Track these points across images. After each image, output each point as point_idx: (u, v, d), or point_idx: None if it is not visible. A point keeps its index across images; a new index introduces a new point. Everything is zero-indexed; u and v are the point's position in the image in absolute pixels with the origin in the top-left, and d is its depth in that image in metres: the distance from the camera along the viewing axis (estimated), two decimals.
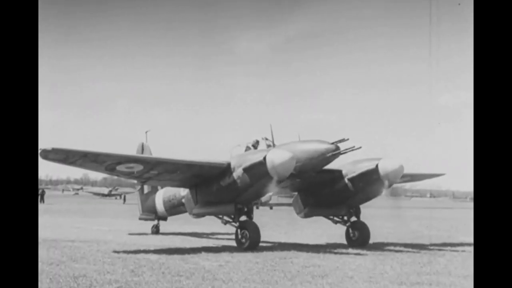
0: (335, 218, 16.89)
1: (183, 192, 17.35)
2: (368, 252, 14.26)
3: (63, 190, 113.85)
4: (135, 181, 19.57)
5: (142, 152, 20.10)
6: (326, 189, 16.19)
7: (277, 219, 29.72)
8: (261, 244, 14.87)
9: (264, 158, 13.69)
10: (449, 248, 15.97)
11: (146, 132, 20.97)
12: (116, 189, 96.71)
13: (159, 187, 19.57)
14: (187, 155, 18.12)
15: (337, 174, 15.94)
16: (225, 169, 14.41)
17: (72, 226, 22.75)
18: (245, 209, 14.98)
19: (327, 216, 17.05)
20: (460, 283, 9.37)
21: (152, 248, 14.16)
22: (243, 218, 15.00)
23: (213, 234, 20.21)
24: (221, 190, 14.54)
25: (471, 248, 14.68)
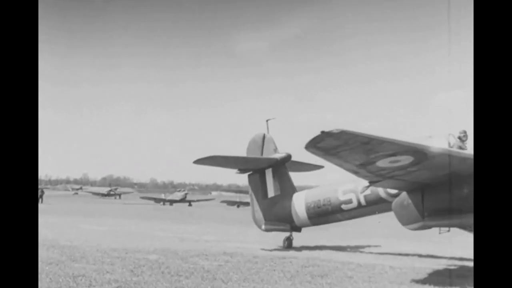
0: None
1: (343, 196, 14.83)
2: (368, 252, 14.26)
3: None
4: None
5: (263, 145, 16.75)
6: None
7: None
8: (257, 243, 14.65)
9: None
10: (449, 247, 15.95)
11: (267, 121, 17.03)
12: (116, 189, 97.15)
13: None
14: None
15: None
16: None
17: (71, 226, 22.72)
18: None
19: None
20: (460, 282, 9.36)
21: (151, 248, 14.13)
22: None
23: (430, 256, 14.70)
24: None
25: (471, 248, 14.69)
